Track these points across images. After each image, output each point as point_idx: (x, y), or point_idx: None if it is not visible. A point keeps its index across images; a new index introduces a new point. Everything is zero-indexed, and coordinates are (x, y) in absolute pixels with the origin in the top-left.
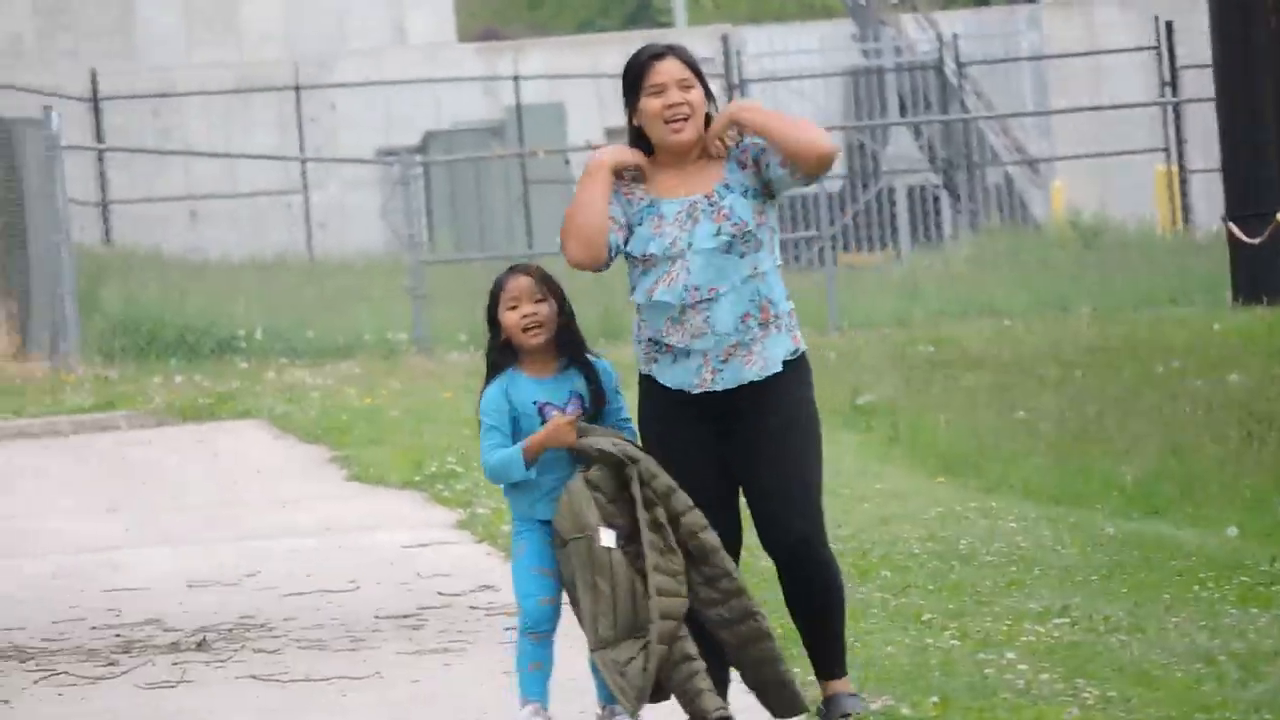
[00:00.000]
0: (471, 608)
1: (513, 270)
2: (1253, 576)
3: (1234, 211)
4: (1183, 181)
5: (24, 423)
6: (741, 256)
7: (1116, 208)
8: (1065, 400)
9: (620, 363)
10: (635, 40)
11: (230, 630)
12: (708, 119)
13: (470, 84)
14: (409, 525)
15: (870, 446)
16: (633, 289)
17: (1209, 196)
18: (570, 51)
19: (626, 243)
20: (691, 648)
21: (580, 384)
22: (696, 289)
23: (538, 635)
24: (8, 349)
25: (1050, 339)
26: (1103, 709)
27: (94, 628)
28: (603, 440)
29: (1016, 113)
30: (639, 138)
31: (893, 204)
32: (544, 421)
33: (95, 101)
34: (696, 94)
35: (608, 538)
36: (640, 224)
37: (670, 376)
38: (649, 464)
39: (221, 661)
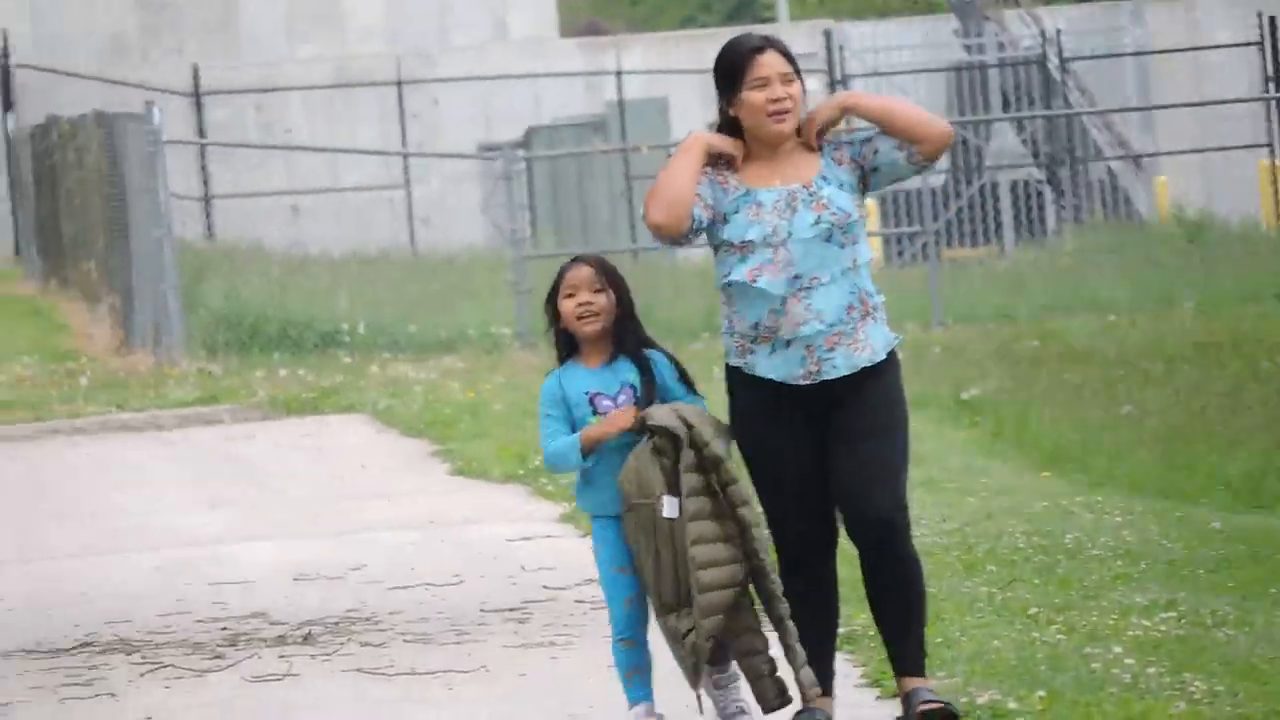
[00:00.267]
0: (577, 601)
1: (575, 260)
2: None
3: None
4: None
5: (127, 416)
6: (841, 247)
7: (1220, 203)
8: (1170, 395)
9: (719, 356)
10: (737, 36)
11: (336, 623)
12: None
13: (572, 79)
14: (512, 519)
15: (975, 441)
16: (727, 277)
17: None
18: (673, 47)
19: (713, 225)
20: (754, 620)
21: (633, 375)
22: (799, 278)
23: (629, 642)
24: (111, 343)
25: (1155, 334)
26: (1210, 703)
27: (200, 621)
28: (661, 411)
29: (1120, 108)
30: (732, 127)
31: (996, 199)
32: (595, 412)
33: (197, 96)
34: (796, 87)
35: (670, 507)
36: (736, 211)
37: (769, 367)
38: (702, 431)
39: (327, 655)
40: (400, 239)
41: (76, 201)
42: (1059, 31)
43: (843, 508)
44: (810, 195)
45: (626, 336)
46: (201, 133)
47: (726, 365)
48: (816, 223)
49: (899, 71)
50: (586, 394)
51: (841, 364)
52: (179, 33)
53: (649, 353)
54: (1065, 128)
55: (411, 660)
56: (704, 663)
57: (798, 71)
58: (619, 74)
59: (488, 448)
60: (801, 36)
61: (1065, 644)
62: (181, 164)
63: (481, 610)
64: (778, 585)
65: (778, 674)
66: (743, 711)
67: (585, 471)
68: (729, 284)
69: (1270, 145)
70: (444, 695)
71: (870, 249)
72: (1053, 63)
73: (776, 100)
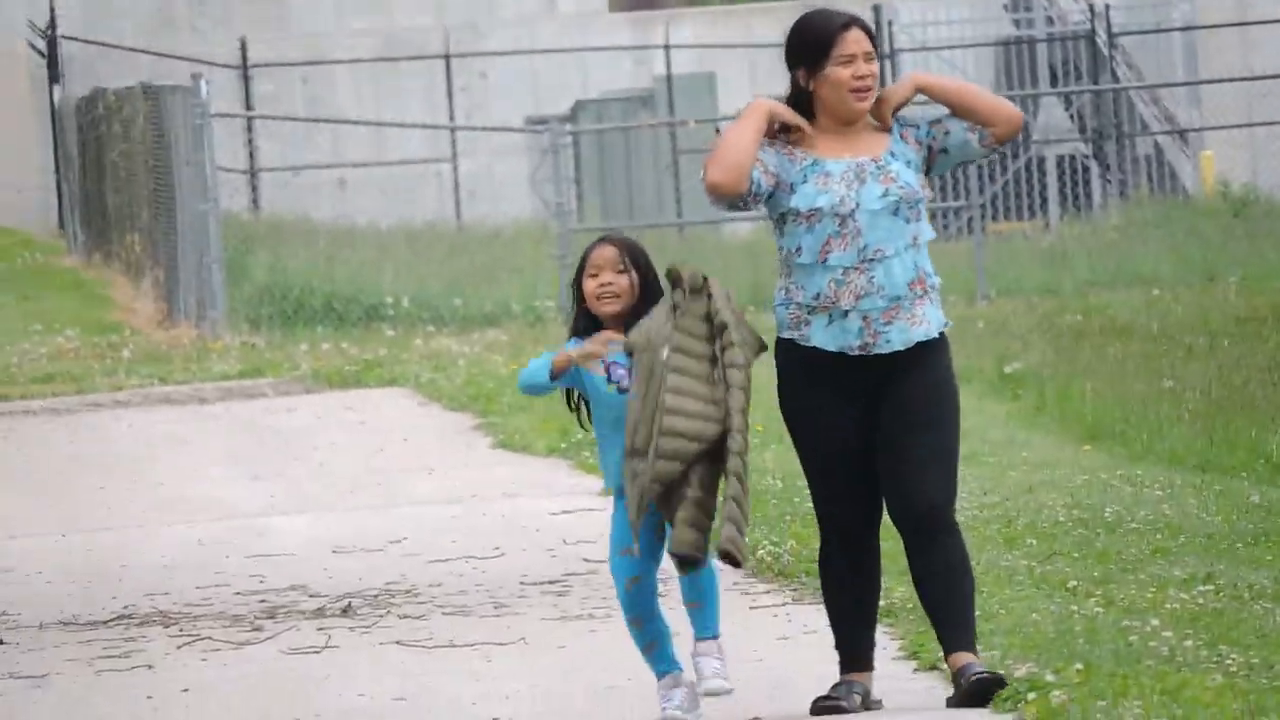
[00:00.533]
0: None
1: (601, 240)
2: None
3: None
4: None
5: (170, 389)
6: (906, 222)
7: (1266, 178)
8: (1212, 369)
9: (772, 331)
10: (786, 11)
11: (375, 596)
12: None
13: (620, 53)
14: (554, 492)
15: (1017, 415)
16: (795, 248)
17: None
18: (721, 21)
19: (776, 194)
20: (710, 491)
21: None
22: (865, 248)
23: (637, 621)
24: (155, 315)
25: (1198, 308)
26: (1246, 676)
27: (239, 593)
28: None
29: (1167, 83)
30: (800, 101)
31: (1042, 174)
32: (610, 380)
33: (245, 69)
34: (876, 66)
35: (667, 354)
36: (804, 181)
37: (826, 338)
38: (719, 302)
39: (366, 627)
40: (446, 212)
41: (122, 174)
42: (1107, 6)
43: (890, 496)
44: (879, 168)
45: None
46: (249, 106)
47: (778, 339)
48: (885, 195)
49: (947, 46)
50: (603, 362)
51: (896, 339)
52: (226, 5)
53: None
54: (1112, 102)
55: (450, 633)
56: (647, 504)
57: (877, 51)
58: (667, 48)
59: (530, 421)
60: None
61: (1103, 617)
62: (228, 137)
63: (521, 583)
64: (742, 459)
65: (705, 529)
66: (718, 675)
67: (600, 443)
68: (798, 262)
69: None
70: (483, 667)
71: (931, 230)
72: (1101, 37)
73: (861, 78)
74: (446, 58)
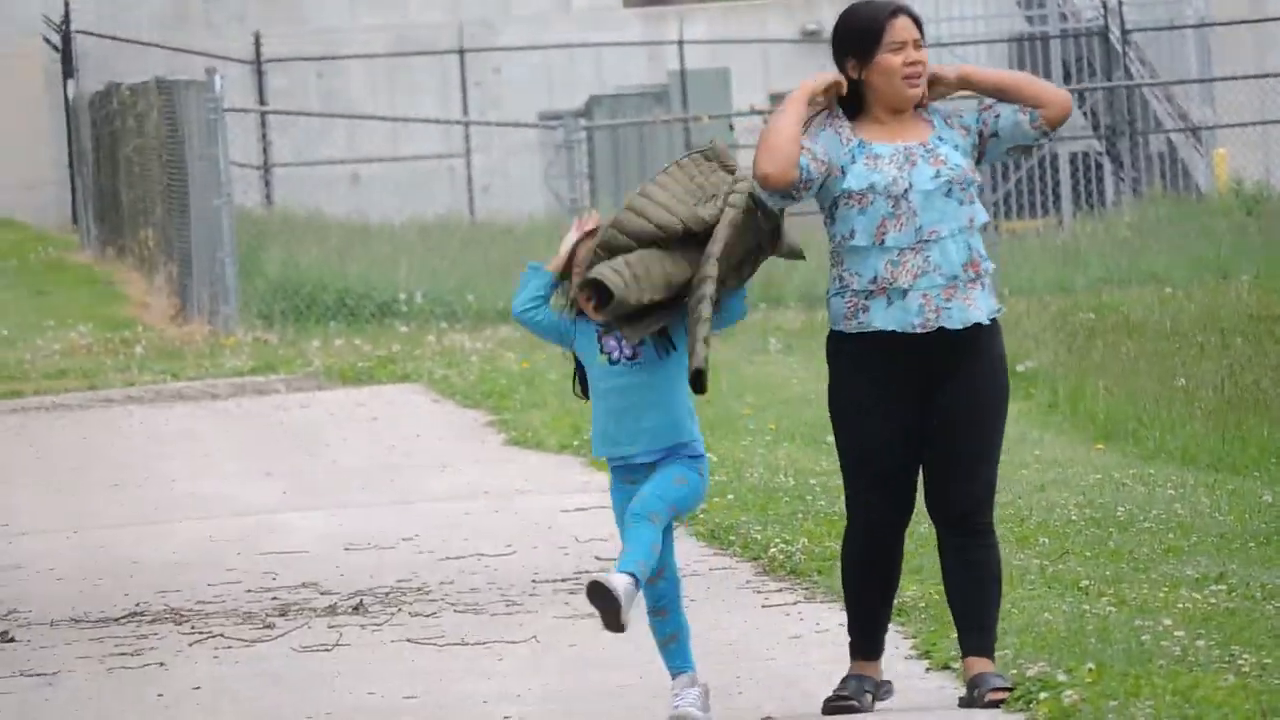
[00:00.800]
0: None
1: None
2: None
3: None
4: None
5: (183, 385)
6: (960, 204)
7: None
8: (1225, 368)
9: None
10: (799, 6)
11: (387, 593)
12: None
13: (634, 48)
14: (566, 489)
15: (1030, 413)
16: (849, 232)
17: None
18: (735, 17)
19: (827, 181)
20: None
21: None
22: (921, 229)
23: (662, 612)
24: (168, 311)
25: (1211, 306)
26: (1259, 676)
27: (250, 590)
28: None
29: (1180, 80)
30: (850, 92)
31: (1055, 171)
32: (602, 351)
33: (259, 64)
34: (925, 53)
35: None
36: (853, 162)
37: (886, 318)
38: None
39: (378, 625)
40: (460, 208)
41: (135, 169)
42: (1120, 3)
43: (933, 492)
44: (927, 151)
45: None
46: (262, 101)
47: (830, 334)
48: (936, 176)
49: (961, 42)
50: (596, 331)
51: (957, 316)
52: (241, 0)
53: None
54: (1125, 100)
55: (462, 631)
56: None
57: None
58: (681, 44)
59: (543, 418)
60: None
61: (1115, 616)
62: (242, 132)
63: (533, 581)
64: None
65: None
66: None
67: (593, 412)
68: (852, 246)
69: None
70: (494, 666)
71: (985, 213)
72: (1114, 34)
73: (913, 64)
74: (460, 53)
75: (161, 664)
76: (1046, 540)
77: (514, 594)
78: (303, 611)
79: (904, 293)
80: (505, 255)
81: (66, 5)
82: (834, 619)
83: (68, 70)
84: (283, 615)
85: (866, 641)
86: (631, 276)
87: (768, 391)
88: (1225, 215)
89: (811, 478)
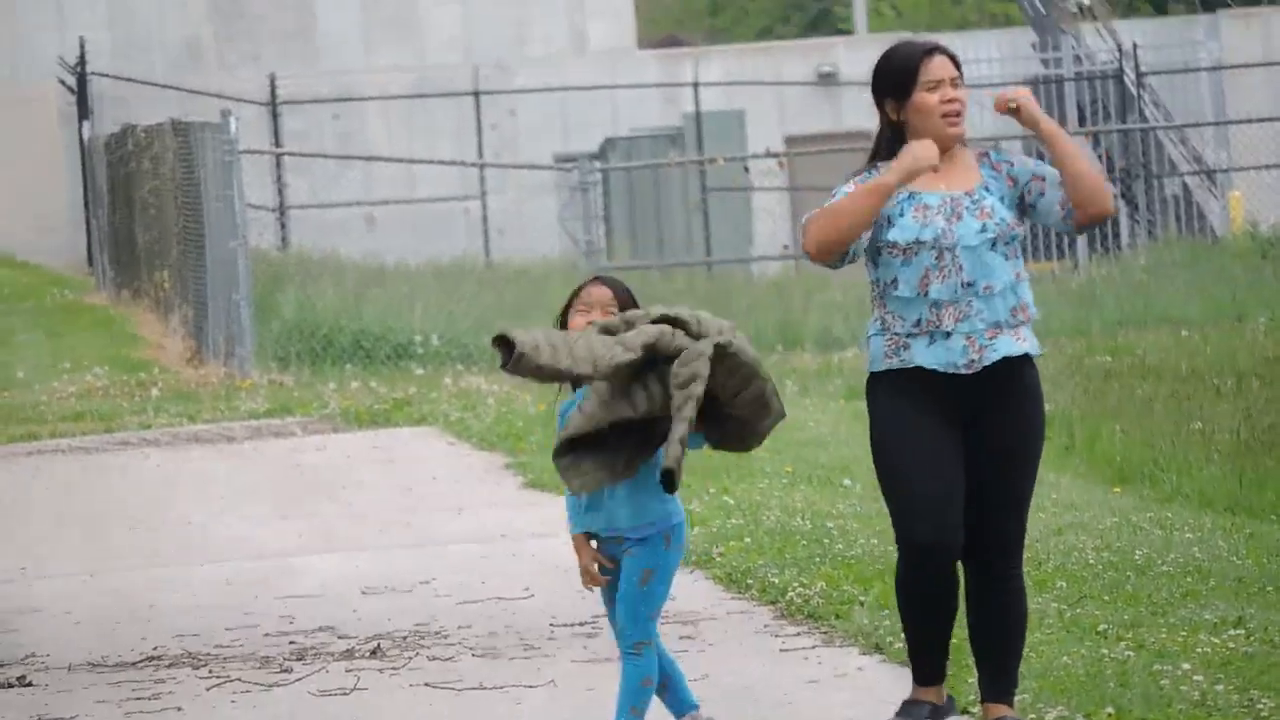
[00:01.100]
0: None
1: (597, 279)
2: None
3: None
4: None
5: (198, 428)
6: (1005, 258)
7: None
8: (1242, 410)
9: (797, 369)
10: (814, 49)
11: (404, 637)
12: None
13: (650, 91)
14: None
15: (1046, 456)
16: (891, 280)
17: None
18: (750, 59)
19: (877, 233)
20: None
21: None
22: (970, 285)
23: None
24: (183, 353)
25: (1227, 349)
26: None
27: (267, 634)
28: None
29: (1195, 123)
30: (893, 133)
31: None
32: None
33: (274, 106)
34: (964, 91)
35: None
36: (901, 215)
37: (929, 357)
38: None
39: (395, 669)
40: (475, 250)
41: (151, 211)
42: (1135, 45)
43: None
44: (974, 203)
45: None
46: (278, 142)
47: (870, 375)
48: (982, 230)
49: (976, 85)
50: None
51: (1002, 348)
52: (256, 41)
53: None
54: (1140, 142)
55: (480, 675)
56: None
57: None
58: (696, 86)
59: None
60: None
61: (1134, 661)
62: (257, 174)
63: (551, 624)
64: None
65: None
66: None
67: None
68: (895, 295)
69: None
70: (512, 710)
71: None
72: (1129, 77)
73: (950, 101)
74: (476, 95)
75: (179, 709)
76: (1064, 584)
77: (532, 638)
78: (320, 655)
79: (948, 334)
80: (521, 297)
81: (82, 47)
82: (852, 663)
83: (83, 112)
84: (300, 659)
85: (926, 669)
86: (546, 342)
87: (784, 434)
88: (1240, 258)
89: (829, 521)
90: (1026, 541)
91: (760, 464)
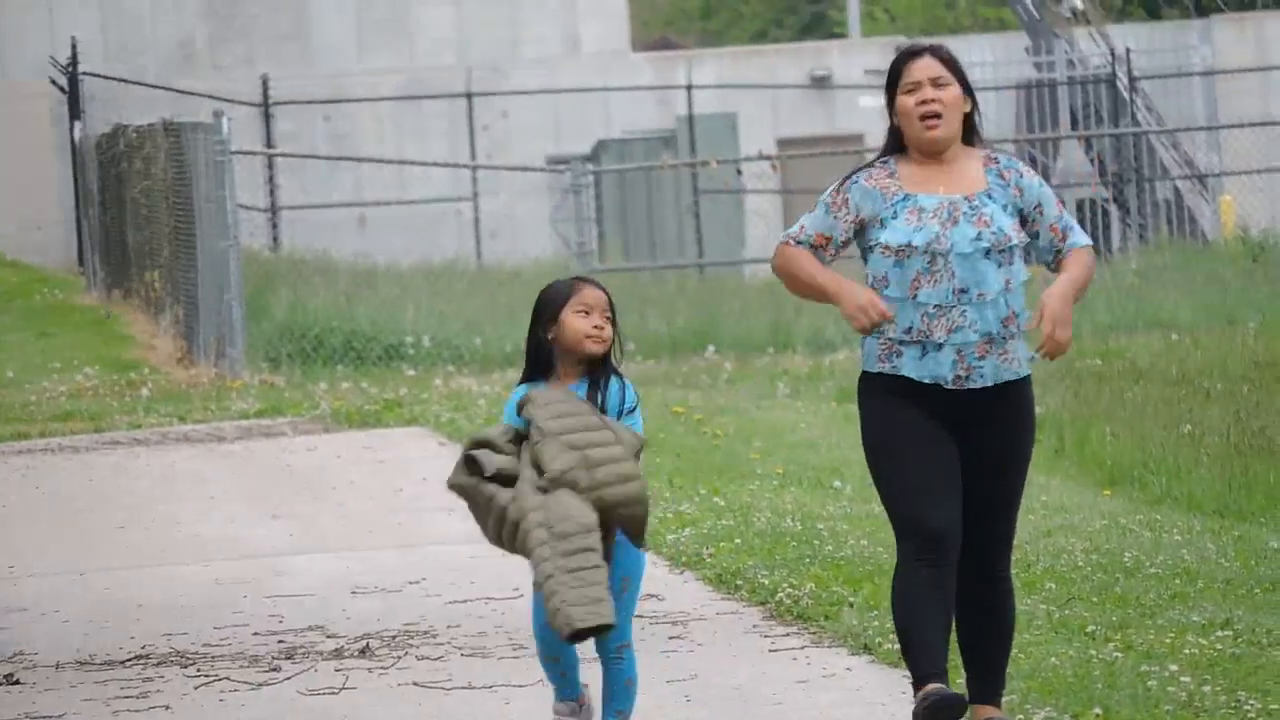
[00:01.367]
0: (635, 616)
1: (587, 281)
2: None
3: None
4: None
5: (189, 428)
6: (999, 266)
7: None
8: (1232, 414)
9: (788, 371)
10: (809, 52)
11: (394, 637)
12: (969, 119)
13: (642, 93)
14: None
15: (1036, 458)
16: (882, 276)
17: None
18: (743, 62)
19: (865, 229)
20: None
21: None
22: (963, 292)
23: (555, 658)
24: (174, 354)
25: (1217, 353)
26: None
27: (257, 634)
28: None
29: (1187, 127)
30: (896, 139)
31: None
32: None
33: (266, 107)
34: (951, 91)
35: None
36: (895, 217)
37: (920, 369)
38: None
39: (384, 668)
40: (467, 251)
41: (142, 211)
42: (1128, 50)
43: None
44: (972, 209)
45: (601, 367)
46: (270, 143)
47: (863, 374)
48: (977, 238)
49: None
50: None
51: (989, 374)
52: (249, 42)
53: (612, 380)
54: (1132, 146)
55: (469, 674)
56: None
57: (962, 79)
58: (689, 88)
59: None
60: (874, 54)
61: (1122, 662)
62: (249, 174)
63: None
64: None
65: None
66: None
67: None
68: (885, 294)
69: None
70: (501, 710)
71: (1026, 271)
72: (1121, 81)
73: (924, 102)
74: (468, 96)
75: (167, 707)
76: (1053, 585)
77: (521, 637)
78: (309, 655)
79: (939, 346)
80: (512, 299)
81: (73, 47)
82: (841, 664)
83: (74, 112)
84: (289, 658)
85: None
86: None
87: (775, 435)
88: (1231, 262)
89: (819, 522)
90: (1016, 543)
91: (751, 465)
